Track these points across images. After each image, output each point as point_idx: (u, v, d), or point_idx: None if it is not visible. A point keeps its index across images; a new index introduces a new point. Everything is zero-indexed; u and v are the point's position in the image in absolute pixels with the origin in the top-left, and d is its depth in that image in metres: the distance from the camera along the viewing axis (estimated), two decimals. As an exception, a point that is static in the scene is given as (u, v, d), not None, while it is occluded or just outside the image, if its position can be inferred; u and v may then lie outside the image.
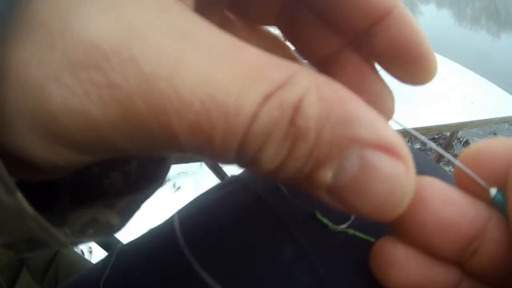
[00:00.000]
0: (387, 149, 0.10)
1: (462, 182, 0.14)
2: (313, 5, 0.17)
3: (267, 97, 0.10)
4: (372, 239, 0.24)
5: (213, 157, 0.11)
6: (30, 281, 0.40)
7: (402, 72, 0.17)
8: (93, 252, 1.00)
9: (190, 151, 0.10)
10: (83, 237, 0.13)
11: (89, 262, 0.58)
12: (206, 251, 0.27)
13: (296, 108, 0.10)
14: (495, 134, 1.96)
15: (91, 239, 0.13)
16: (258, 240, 0.25)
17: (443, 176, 0.30)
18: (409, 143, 1.71)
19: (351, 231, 0.24)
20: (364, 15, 0.15)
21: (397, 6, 0.15)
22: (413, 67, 0.16)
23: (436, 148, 0.17)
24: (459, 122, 0.91)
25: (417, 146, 1.75)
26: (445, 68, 1.22)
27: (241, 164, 0.11)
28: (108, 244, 0.70)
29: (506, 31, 4.44)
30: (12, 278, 0.38)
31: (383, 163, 0.10)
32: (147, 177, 0.17)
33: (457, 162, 0.14)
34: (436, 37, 3.54)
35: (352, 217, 0.25)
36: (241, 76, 0.10)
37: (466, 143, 1.85)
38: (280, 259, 0.24)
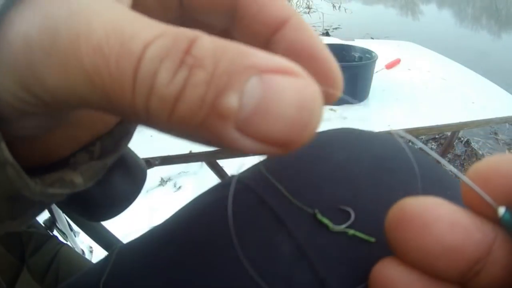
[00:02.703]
0: (285, 71, 0.11)
1: (469, 199, 0.14)
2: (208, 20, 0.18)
3: (162, 33, 0.11)
4: (372, 239, 0.24)
5: (113, 97, 0.11)
6: (31, 281, 0.41)
7: None
8: (94, 252, 1.00)
9: (95, 82, 0.11)
10: (50, 188, 0.16)
11: (89, 261, 0.58)
12: (208, 250, 0.27)
13: (192, 42, 0.11)
14: (495, 133, 1.96)
15: (58, 190, 0.16)
16: (258, 240, 0.25)
17: (443, 176, 0.29)
18: (410, 143, 1.70)
19: (351, 231, 0.24)
20: (261, 26, 0.16)
21: (293, 15, 0.16)
22: (314, 74, 0.17)
23: (446, 164, 0.16)
24: (460, 122, 0.90)
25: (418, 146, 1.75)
26: (446, 68, 1.22)
27: (141, 104, 0.11)
28: (108, 243, 0.71)
29: (506, 31, 4.44)
30: (13, 278, 0.38)
31: (284, 81, 0.11)
32: (107, 151, 0.20)
33: (465, 179, 0.14)
34: (436, 36, 3.54)
35: (352, 217, 0.25)
36: (145, 23, 0.12)
37: (467, 142, 1.85)
38: (280, 259, 0.24)
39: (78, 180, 0.17)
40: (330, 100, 0.16)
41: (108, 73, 0.11)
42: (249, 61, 0.11)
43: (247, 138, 0.11)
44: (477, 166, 0.14)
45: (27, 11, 0.12)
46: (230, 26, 0.18)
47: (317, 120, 0.11)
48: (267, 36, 0.17)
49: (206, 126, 0.11)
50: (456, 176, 0.15)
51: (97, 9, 0.12)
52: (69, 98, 0.12)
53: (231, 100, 0.11)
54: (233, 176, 0.31)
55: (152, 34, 0.11)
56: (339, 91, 0.17)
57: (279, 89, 0.11)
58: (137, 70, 0.11)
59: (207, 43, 0.11)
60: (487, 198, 0.13)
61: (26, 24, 0.12)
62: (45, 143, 0.17)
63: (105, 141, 0.20)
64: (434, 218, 0.13)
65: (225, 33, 0.19)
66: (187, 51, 0.11)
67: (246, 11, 0.17)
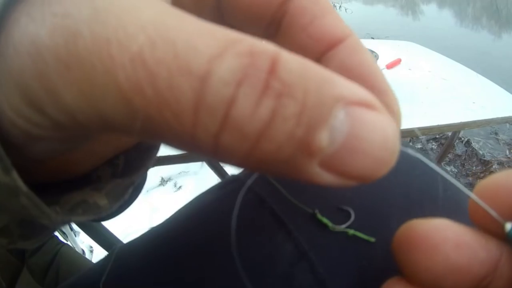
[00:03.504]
0: (369, 105, 0.10)
1: (476, 215, 0.14)
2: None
3: (231, 43, 0.09)
4: (372, 239, 0.23)
5: (159, 124, 0.09)
6: (31, 281, 0.40)
7: None
8: (94, 252, 1.00)
9: (133, 103, 0.09)
10: (72, 215, 0.13)
11: (90, 261, 0.58)
12: (208, 250, 0.27)
13: (274, 60, 0.09)
14: (496, 134, 1.96)
15: (81, 218, 0.14)
16: (258, 240, 0.25)
17: (443, 176, 0.29)
18: (411, 143, 1.70)
19: (351, 231, 0.24)
20: (311, 40, 0.15)
21: (351, 35, 0.15)
22: None
23: (456, 182, 0.16)
24: (461, 122, 0.90)
25: (418, 146, 1.75)
26: (447, 68, 1.21)
27: (206, 137, 0.09)
28: (108, 243, 0.71)
29: (507, 31, 4.43)
30: (13, 278, 0.38)
31: (370, 117, 0.10)
32: (132, 166, 0.17)
33: (472, 195, 0.14)
34: (437, 36, 3.53)
35: (352, 218, 0.25)
36: (197, 27, 0.09)
37: (468, 142, 1.84)
38: (280, 259, 0.24)
39: (103, 202, 0.15)
40: None
41: (154, 92, 0.09)
42: (337, 91, 0.09)
43: (328, 173, 0.10)
44: (485, 182, 0.14)
45: (35, 8, 0.10)
46: (271, 36, 0.16)
47: (396, 157, 0.11)
48: (316, 52, 0.15)
49: (289, 162, 0.10)
50: (450, 160, 0.15)
51: (130, 6, 0.09)
52: (94, 122, 0.10)
53: (323, 137, 0.09)
54: (233, 175, 0.31)
55: (218, 45, 0.09)
56: (399, 124, 0.15)
57: (366, 125, 0.10)
58: (201, 93, 0.09)
59: (294, 64, 0.09)
60: (494, 214, 0.13)
61: (34, 24, 0.09)
62: (61, 160, 0.15)
63: (130, 155, 0.18)
64: (441, 239, 0.13)
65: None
66: (271, 71, 0.09)
67: (295, 21, 0.15)
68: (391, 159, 0.11)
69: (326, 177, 0.10)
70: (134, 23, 0.09)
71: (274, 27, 0.15)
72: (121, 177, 0.16)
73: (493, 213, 0.13)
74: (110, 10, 0.09)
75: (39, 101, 0.09)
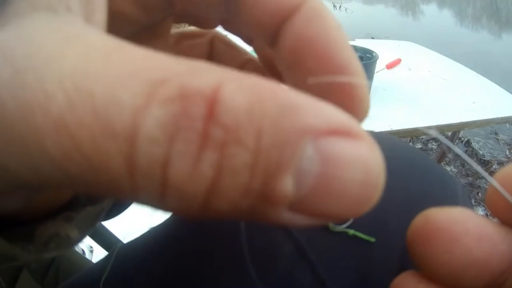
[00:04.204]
0: (343, 132, 0.08)
1: (495, 205, 0.13)
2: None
3: (158, 84, 0.07)
4: (372, 239, 0.23)
5: (99, 186, 0.08)
6: (31, 281, 0.40)
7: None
8: (94, 252, 1.00)
9: (67, 171, 0.08)
10: (45, 251, 0.13)
11: (90, 261, 0.58)
12: (207, 250, 0.27)
13: (212, 96, 0.07)
14: (496, 134, 1.96)
15: (54, 253, 0.13)
16: (258, 240, 0.25)
17: (443, 176, 0.29)
18: (411, 143, 1.70)
19: (351, 232, 0.24)
20: (265, 15, 0.13)
21: (307, 1, 0.13)
22: (331, 86, 0.12)
23: (472, 163, 0.15)
24: (461, 122, 0.91)
25: (419, 146, 1.75)
26: (446, 68, 1.22)
27: (149, 197, 0.08)
28: (108, 243, 0.70)
29: (507, 31, 4.43)
30: (13, 278, 0.38)
31: (346, 149, 0.08)
32: None
33: (493, 181, 0.13)
34: (437, 36, 3.53)
35: (352, 218, 0.25)
36: (120, 68, 0.08)
37: (468, 142, 1.84)
38: (280, 259, 0.24)
39: (74, 234, 0.14)
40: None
41: (83, 160, 0.08)
42: (301, 121, 0.08)
43: (301, 216, 0.09)
44: (506, 170, 0.13)
45: None
46: (230, 16, 0.14)
47: (380, 191, 0.09)
48: (274, 27, 0.13)
49: (251, 213, 0.08)
50: (450, 159, 0.15)
51: (53, 53, 0.08)
52: (41, 185, 0.09)
53: (285, 184, 0.08)
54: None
55: (142, 91, 0.07)
56: (363, 113, 0.13)
57: (341, 162, 0.08)
58: (132, 157, 0.07)
59: (238, 98, 0.07)
60: None
61: None
62: (33, 201, 0.14)
63: None
64: (463, 231, 0.12)
65: (226, 24, 0.16)
66: (209, 116, 0.07)
67: None
68: (375, 195, 0.09)
69: (299, 220, 0.09)
70: (53, 78, 0.08)
71: (232, 7, 0.14)
72: (93, 204, 0.16)
73: None
74: (29, 67, 0.08)
75: None
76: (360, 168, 0.08)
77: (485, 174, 0.14)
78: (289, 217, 0.09)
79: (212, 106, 0.07)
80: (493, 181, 0.13)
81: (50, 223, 0.14)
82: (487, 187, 0.13)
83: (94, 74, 0.08)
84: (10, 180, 0.09)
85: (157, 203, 0.08)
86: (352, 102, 0.13)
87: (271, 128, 0.07)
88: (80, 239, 0.15)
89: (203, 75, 0.08)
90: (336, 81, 0.12)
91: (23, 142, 0.08)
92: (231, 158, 0.07)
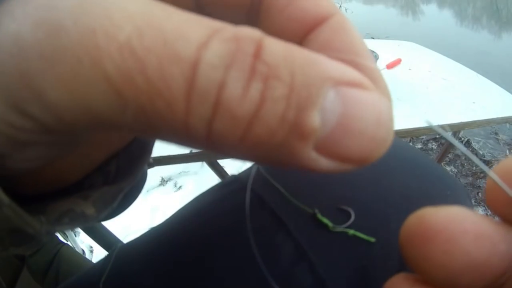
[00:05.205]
0: (359, 84, 0.10)
1: (495, 201, 0.13)
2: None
3: (216, 30, 0.09)
4: (372, 239, 0.23)
5: (152, 114, 0.09)
6: (31, 281, 0.40)
7: None
8: (94, 252, 1.00)
9: (123, 94, 0.09)
10: (59, 225, 0.13)
11: (90, 261, 0.58)
12: (207, 250, 0.27)
13: (258, 43, 0.09)
14: (496, 134, 1.96)
15: (68, 227, 0.14)
16: (258, 240, 0.25)
17: (443, 175, 0.29)
18: (411, 143, 1.70)
19: (351, 231, 0.24)
20: (292, 23, 0.14)
21: (335, 14, 0.13)
22: None
23: (475, 159, 0.14)
24: (461, 122, 0.90)
25: (419, 145, 1.75)
26: (447, 68, 1.21)
27: (200, 124, 0.09)
28: (108, 243, 0.71)
29: (507, 30, 4.43)
30: (13, 278, 0.38)
31: (361, 96, 0.10)
32: (123, 173, 0.17)
33: (492, 174, 0.12)
34: (437, 36, 3.53)
35: (352, 218, 0.25)
36: (182, 17, 0.09)
37: (468, 142, 1.84)
38: (280, 259, 0.24)
39: (90, 211, 0.15)
40: None
41: (145, 81, 0.08)
42: (324, 71, 0.09)
43: (325, 158, 0.10)
44: (505, 162, 0.13)
45: (18, 6, 0.09)
46: (252, 23, 0.15)
47: (392, 134, 0.10)
48: (298, 35, 0.14)
49: (283, 147, 0.09)
50: (450, 160, 0.14)
51: None
52: (82, 119, 0.09)
53: (314, 118, 0.09)
54: (233, 175, 0.31)
55: (204, 33, 0.09)
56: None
57: (358, 104, 0.10)
58: (192, 79, 0.09)
59: (277, 47, 0.09)
60: None
61: (16, 22, 0.09)
62: (52, 169, 0.14)
63: (121, 160, 0.17)
64: (460, 231, 0.12)
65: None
66: (257, 55, 0.09)
67: (272, 3, 0.14)
68: (388, 137, 0.10)
69: (323, 162, 0.10)
70: (121, 13, 0.09)
71: (254, 13, 0.15)
72: (111, 184, 0.16)
73: None
74: (95, 0, 0.09)
75: (23, 102, 0.09)
76: (374, 110, 0.10)
77: (485, 167, 0.14)
78: (314, 157, 0.10)
79: (258, 47, 0.09)
80: (492, 173, 0.12)
81: (63, 201, 0.14)
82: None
83: (161, 16, 0.09)
84: (41, 117, 0.09)
85: (204, 128, 0.09)
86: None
87: (300, 72, 0.09)
88: (97, 217, 0.15)
89: (250, 29, 0.09)
90: None
91: (76, 65, 0.08)
92: (272, 89, 0.09)
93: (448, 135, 0.15)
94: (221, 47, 0.09)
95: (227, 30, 0.09)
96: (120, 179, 0.17)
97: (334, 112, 0.09)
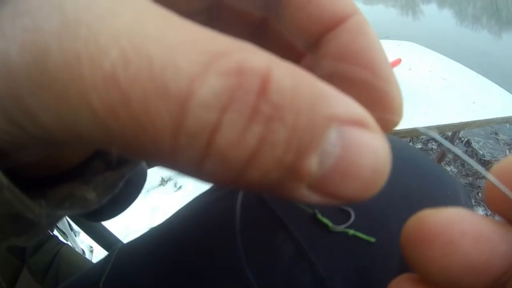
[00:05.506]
0: (362, 123, 0.09)
1: (493, 201, 0.13)
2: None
3: (217, 57, 0.08)
4: (372, 239, 0.23)
5: (138, 146, 0.08)
6: (31, 281, 0.40)
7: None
8: (94, 252, 1.00)
9: (108, 125, 0.08)
10: (59, 209, 0.13)
11: (90, 261, 0.58)
12: (207, 250, 0.27)
13: (265, 77, 0.08)
14: (496, 134, 1.96)
15: (68, 211, 0.13)
16: (258, 240, 0.25)
17: (443, 175, 0.29)
18: (411, 143, 1.70)
19: (351, 232, 0.24)
20: (310, 21, 0.13)
21: (354, 14, 0.13)
22: (368, 93, 0.13)
23: (472, 162, 0.15)
24: (461, 122, 0.90)
25: (419, 146, 1.75)
26: (447, 68, 1.21)
27: (188, 161, 0.08)
28: (108, 243, 0.71)
29: (507, 30, 4.43)
30: (13, 278, 0.38)
31: (362, 138, 0.09)
32: (125, 159, 0.17)
33: (490, 176, 0.12)
34: (437, 36, 3.53)
35: (352, 218, 0.25)
36: (179, 36, 0.08)
37: (468, 143, 1.84)
38: (280, 259, 0.24)
39: (91, 195, 0.14)
40: (386, 128, 0.13)
41: (129, 117, 0.08)
42: (330, 109, 0.09)
43: (316, 194, 0.10)
44: (503, 163, 0.13)
45: (7, 22, 0.09)
46: (271, 15, 0.15)
47: (385, 179, 0.10)
48: (316, 34, 0.13)
49: (275, 185, 0.09)
50: (450, 160, 0.14)
51: (106, 10, 0.08)
52: (72, 140, 0.09)
53: (312, 162, 0.09)
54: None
55: (200, 61, 0.08)
56: (398, 118, 0.14)
57: (357, 148, 0.09)
58: (181, 119, 0.08)
59: (286, 82, 0.08)
60: None
61: (5, 40, 0.09)
62: (52, 157, 0.14)
63: None
64: (459, 233, 0.12)
65: (264, 22, 0.16)
66: (261, 93, 0.08)
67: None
68: (381, 182, 0.10)
69: (313, 198, 0.10)
70: (107, 34, 0.08)
71: (273, 5, 0.14)
72: (112, 170, 0.16)
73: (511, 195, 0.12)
74: (81, 20, 0.08)
75: (17, 119, 0.09)
76: (372, 155, 0.09)
77: (481, 169, 0.14)
78: (306, 194, 0.09)
79: (265, 83, 0.08)
80: (490, 176, 0.12)
81: (63, 185, 0.14)
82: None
83: (152, 37, 0.08)
84: (34, 133, 0.09)
85: (193, 166, 0.09)
86: (388, 110, 0.13)
87: (307, 111, 0.08)
88: (98, 202, 0.15)
89: (256, 54, 0.08)
90: (377, 89, 0.13)
91: (63, 93, 0.08)
92: (273, 132, 0.08)
93: (439, 137, 0.15)
94: (219, 82, 0.08)
95: (230, 58, 0.08)
96: (122, 165, 0.16)
97: (333, 154, 0.09)
